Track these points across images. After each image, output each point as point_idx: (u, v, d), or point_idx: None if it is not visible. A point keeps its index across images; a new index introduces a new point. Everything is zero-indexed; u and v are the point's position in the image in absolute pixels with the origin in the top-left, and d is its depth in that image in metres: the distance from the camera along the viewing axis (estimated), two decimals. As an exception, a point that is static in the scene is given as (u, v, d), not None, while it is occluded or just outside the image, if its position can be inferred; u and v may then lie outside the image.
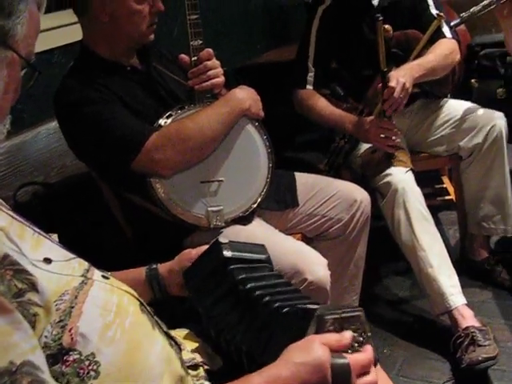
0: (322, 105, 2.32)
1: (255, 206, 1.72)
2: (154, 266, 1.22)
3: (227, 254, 1.08)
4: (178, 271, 1.19)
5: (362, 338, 0.89)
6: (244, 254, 1.11)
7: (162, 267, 1.22)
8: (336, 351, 0.84)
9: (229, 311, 1.05)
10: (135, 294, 0.96)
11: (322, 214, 1.91)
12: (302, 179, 1.97)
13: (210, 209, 1.65)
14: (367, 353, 0.87)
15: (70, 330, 0.78)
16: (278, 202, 1.87)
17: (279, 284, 1.10)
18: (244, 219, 1.71)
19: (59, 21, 2.07)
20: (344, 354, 0.84)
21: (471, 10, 2.11)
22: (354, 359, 0.84)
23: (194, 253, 1.20)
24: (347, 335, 0.87)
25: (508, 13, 2.11)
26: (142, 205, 1.71)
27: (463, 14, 2.15)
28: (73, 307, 0.79)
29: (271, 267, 1.14)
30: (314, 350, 0.83)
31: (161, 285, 1.20)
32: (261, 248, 1.18)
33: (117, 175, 1.67)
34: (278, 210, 1.89)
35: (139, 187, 1.64)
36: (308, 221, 1.92)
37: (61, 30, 2.09)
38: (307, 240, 1.93)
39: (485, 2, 2.10)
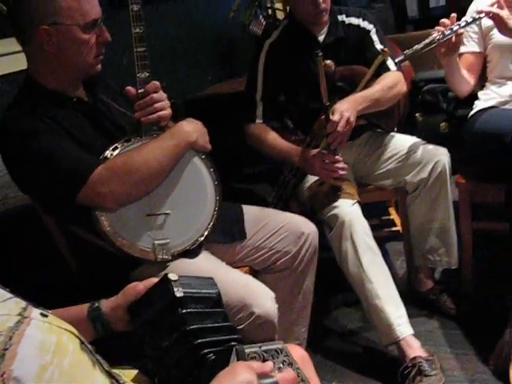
0: (272, 137, 2.34)
1: (202, 239, 1.70)
2: (97, 305, 1.18)
3: (178, 293, 1.05)
4: (123, 306, 1.16)
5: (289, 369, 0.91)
6: (195, 291, 1.09)
7: (106, 304, 1.18)
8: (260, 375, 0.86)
9: (175, 357, 1.03)
10: (75, 331, 0.93)
11: (270, 246, 1.90)
12: (250, 212, 1.96)
13: (156, 242, 1.63)
14: (292, 373, 0.91)
15: (2, 375, 0.74)
16: (226, 234, 1.86)
17: (230, 339, 1.07)
18: (191, 252, 1.69)
19: (3, 49, 2.03)
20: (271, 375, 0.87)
21: (414, 47, 2.19)
22: (280, 377, 0.87)
23: (141, 286, 1.18)
24: (269, 363, 0.89)
25: (445, 51, 2.21)
26: (87, 238, 1.67)
27: (407, 51, 2.22)
28: (7, 349, 0.76)
29: (223, 311, 1.13)
30: (238, 373, 0.85)
31: (104, 324, 1.16)
32: (210, 282, 1.16)
33: (61, 208, 1.63)
34: (226, 242, 1.87)
35: (84, 220, 1.60)
36: (256, 253, 1.91)
37: (5, 58, 2.05)
38: (255, 273, 1.92)
39: (426, 41, 2.18)
